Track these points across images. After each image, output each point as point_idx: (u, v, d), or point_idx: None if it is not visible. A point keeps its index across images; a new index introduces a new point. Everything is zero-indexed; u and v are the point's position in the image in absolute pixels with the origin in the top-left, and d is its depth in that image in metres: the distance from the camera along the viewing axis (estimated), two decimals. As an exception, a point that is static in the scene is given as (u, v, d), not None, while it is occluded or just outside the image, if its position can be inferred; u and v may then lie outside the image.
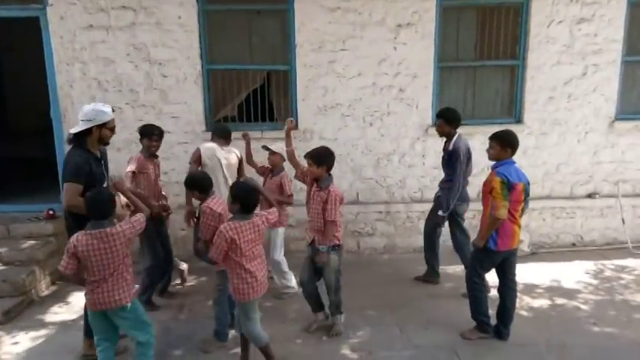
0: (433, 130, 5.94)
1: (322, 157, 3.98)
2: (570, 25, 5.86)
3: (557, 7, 5.81)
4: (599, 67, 5.95)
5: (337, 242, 3.99)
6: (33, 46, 8.28)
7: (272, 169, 4.85)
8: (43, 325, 4.43)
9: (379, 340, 4.12)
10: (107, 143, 3.82)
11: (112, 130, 3.76)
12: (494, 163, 3.96)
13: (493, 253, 3.93)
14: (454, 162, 4.74)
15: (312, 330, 4.24)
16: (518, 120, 6.08)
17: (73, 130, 3.63)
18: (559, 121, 6.07)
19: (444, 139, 4.96)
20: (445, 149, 4.91)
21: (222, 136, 4.85)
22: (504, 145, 3.88)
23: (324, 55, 5.72)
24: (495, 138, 3.94)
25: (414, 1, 5.67)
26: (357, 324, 4.37)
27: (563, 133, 6.10)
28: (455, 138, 4.81)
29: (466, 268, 4.52)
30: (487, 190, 3.85)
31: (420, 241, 6.13)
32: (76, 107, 5.36)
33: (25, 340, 4.23)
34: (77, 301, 4.91)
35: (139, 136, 4.61)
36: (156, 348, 3.54)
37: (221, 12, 5.70)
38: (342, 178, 6.04)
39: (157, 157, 4.70)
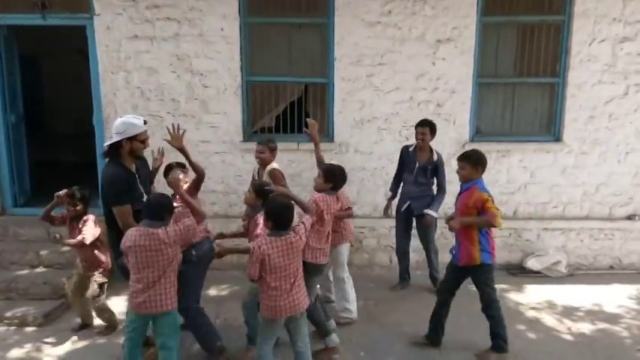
0: (471, 146, 5.91)
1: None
2: (613, 43, 5.77)
3: (599, 25, 5.74)
4: (642, 87, 5.85)
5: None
6: (70, 51, 8.64)
7: None
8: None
9: (418, 359, 4.06)
10: (139, 156, 3.81)
11: (144, 142, 3.72)
12: (467, 183, 3.95)
13: (492, 267, 4.01)
14: (442, 170, 5.14)
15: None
16: (557, 138, 5.99)
17: (105, 144, 3.70)
18: (599, 140, 5.96)
19: (417, 151, 5.15)
20: (427, 161, 5.10)
21: None
22: (475, 164, 3.90)
23: (363, 69, 5.74)
24: (465, 159, 3.95)
25: (455, 17, 5.67)
26: (395, 341, 4.32)
27: (603, 152, 5.99)
28: (435, 151, 5.13)
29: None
30: (472, 206, 3.84)
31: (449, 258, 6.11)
32: (119, 115, 5.45)
33: (66, 342, 4.30)
34: (116, 305, 4.97)
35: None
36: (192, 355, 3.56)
37: (262, 25, 5.79)
38: (375, 192, 6.04)
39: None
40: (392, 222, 6.04)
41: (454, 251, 4.08)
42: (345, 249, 4.56)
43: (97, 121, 5.83)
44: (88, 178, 6.19)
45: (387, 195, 5.53)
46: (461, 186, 4.03)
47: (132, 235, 3.23)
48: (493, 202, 3.82)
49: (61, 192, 4.12)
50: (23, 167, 6.27)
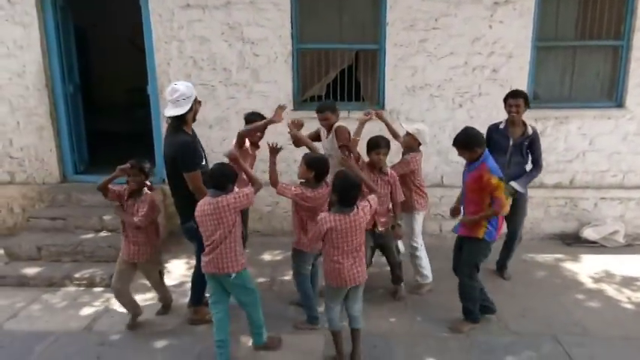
0: (527, 113, 5.61)
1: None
2: (683, 2, 5.43)
3: (669, -17, 5.40)
4: None
5: None
6: (117, 22, 8.76)
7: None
8: (147, 289, 4.65)
9: (477, 324, 4.08)
10: (195, 119, 3.87)
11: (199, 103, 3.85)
12: (473, 162, 3.76)
13: (490, 244, 3.88)
14: (539, 145, 4.65)
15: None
16: (620, 104, 5.74)
17: (181, 112, 3.61)
18: (664, 106, 5.69)
19: (509, 127, 4.62)
20: (522, 136, 4.58)
21: None
22: (468, 147, 3.73)
23: (415, 34, 5.60)
24: (455, 144, 3.80)
25: (513, -22, 5.43)
26: (453, 307, 4.34)
27: (668, 119, 5.72)
28: (529, 125, 4.65)
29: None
30: (477, 187, 3.70)
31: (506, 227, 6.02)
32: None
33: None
34: (176, 268, 5.18)
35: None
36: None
37: (313, -10, 5.71)
38: (426, 161, 5.89)
39: (258, 147, 4.64)
40: (442, 191, 6.03)
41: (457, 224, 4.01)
42: (419, 217, 4.61)
43: (152, 91, 5.94)
44: (140, 148, 6.39)
45: None
46: (467, 163, 3.88)
47: (200, 206, 3.38)
48: (503, 186, 3.66)
49: (124, 165, 3.83)
50: (81, 136, 6.49)
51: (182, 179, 3.66)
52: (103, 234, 5.43)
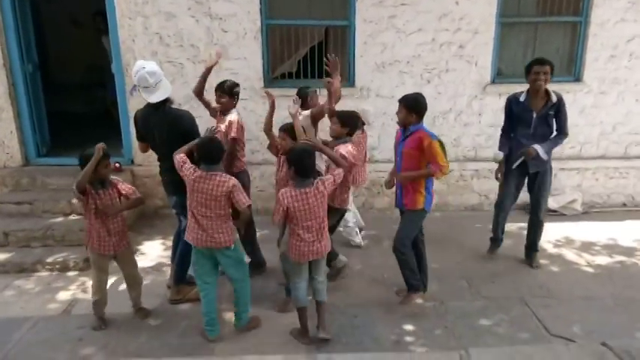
0: (491, 88, 5.96)
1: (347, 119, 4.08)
2: (637, -21, 5.69)
3: (624, -39, 5.64)
4: (665, 25, 5.83)
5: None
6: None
7: None
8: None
9: (449, 292, 4.29)
10: None
11: None
12: (409, 127, 3.72)
13: (426, 214, 3.89)
14: (565, 111, 4.36)
15: None
16: (577, 78, 6.02)
17: (168, 92, 3.72)
18: (619, 80, 6.00)
19: (531, 98, 4.39)
20: (545, 106, 4.32)
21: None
22: (410, 110, 3.66)
23: (385, 10, 5.65)
24: (401, 101, 3.74)
25: (478, -46, 5.54)
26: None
27: (622, 92, 6.04)
28: (552, 92, 4.36)
29: None
30: (417, 153, 3.65)
31: (472, 199, 6.27)
32: (138, 62, 5.40)
33: (108, 285, 4.46)
34: (151, 249, 5.13)
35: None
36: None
37: (281, -35, 5.64)
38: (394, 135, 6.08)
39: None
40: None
41: (398, 195, 3.93)
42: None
43: (117, 69, 5.76)
44: (102, 129, 6.22)
45: (496, 157, 5.00)
46: (401, 130, 3.83)
47: (197, 177, 3.38)
48: (445, 150, 3.65)
49: (97, 153, 3.42)
50: (42, 117, 6.23)
51: None
52: (73, 217, 5.30)
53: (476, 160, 6.17)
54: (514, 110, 4.46)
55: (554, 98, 4.31)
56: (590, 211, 6.21)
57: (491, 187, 6.16)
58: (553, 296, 4.21)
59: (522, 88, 5.84)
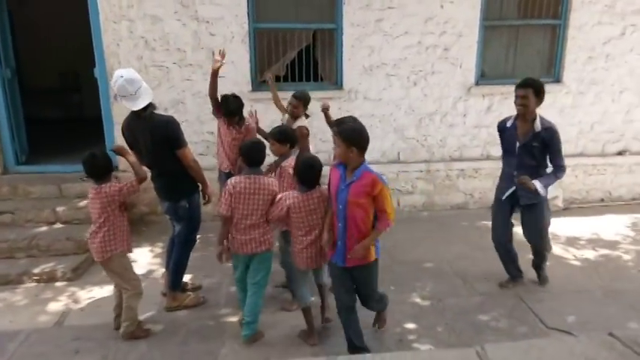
0: (476, 90, 6.09)
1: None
2: (612, -16, 5.93)
3: (600, -34, 5.86)
4: (637, 28, 6.08)
5: None
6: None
7: None
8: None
9: (445, 289, 4.35)
10: None
11: None
12: (356, 171, 3.00)
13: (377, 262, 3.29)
14: (556, 144, 3.81)
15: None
16: (557, 79, 6.21)
17: (149, 99, 3.65)
18: (596, 80, 6.22)
19: (518, 123, 3.92)
20: (528, 134, 3.84)
21: None
22: (350, 144, 2.93)
23: (372, 14, 5.71)
24: (337, 135, 2.98)
25: (461, -41, 5.66)
26: (420, 276, 4.59)
27: (599, 92, 6.27)
28: (541, 120, 3.84)
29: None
30: (366, 201, 2.99)
31: (458, 198, 6.39)
32: (123, 67, 5.30)
33: (100, 294, 4.35)
34: (140, 256, 5.02)
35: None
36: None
37: (268, -32, 5.63)
38: (384, 138, 6.16)
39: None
40: (399, 167, 6.26)
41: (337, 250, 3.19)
42: None
43: (100, 74, 5.63)
44: (81, 136, 6.07)
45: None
46: (340, 169, 3.07)
47: (238, 184, 3.40)
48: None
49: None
50: (20, 124, 6.04)
51: (171, 159, 3.66)
52: (58, 226, 5.16)
53: (461, 160, 6.29)
54: (503, 136, 4.07)
55: (537, 127, 3.80)
56: (571, 207, 6.42)
57: (476, 186, 6.35)
58: (545, 290, 4.32)
59: (505, 89, 6.08)
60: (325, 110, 4.56)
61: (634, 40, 6.11)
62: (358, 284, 3.28)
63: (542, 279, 4.42)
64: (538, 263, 4.40)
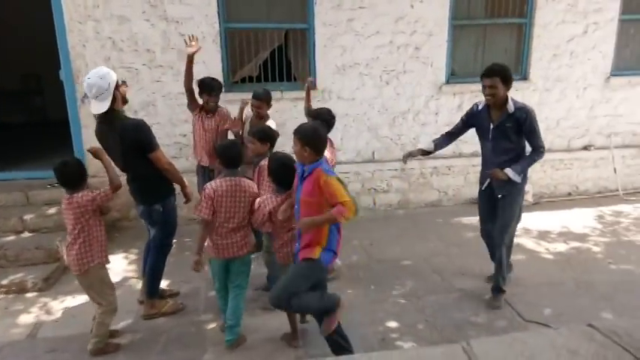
0: (446, 88, 6.19)
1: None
2: (574, -17, 6.12)
3: (562, -34, 6.04)
4: (599, 26, 6.29)
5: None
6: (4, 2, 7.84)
7: None
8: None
9: (424, 287, 4.40)
10: (127, 101, 3.87)
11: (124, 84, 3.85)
12: (310, 164, 2.98)
13: (322, 270, 3.13)
14: (531, 124, 3.72)
15: None
16: (524, 77, 6.37)
17: (105, 107, 3.38)
18: (561, 77, 6.41)
19: (491, 108, 3.83)
20: (503, 116, 3.75)
21: None
22: (305, 144, 2.94)
23: (343, 13, 5.72)
24: (295, 133, 3.00)
25: (430, -41, 5.73)
26: (399, 274, 4.63)
27: (564, 89, 6.47)
28: (512, 102, 3.76)
29: None
30: (315, 199, 2.92)
31: (432, 195, 6.48)
32: (90, 68, 5.14)
33: (74, 303, 4.22)
34: (113, 264, 4.87)
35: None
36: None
37: (238, -33, 5.57)
38: (358, 137, 6.19)
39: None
40: (374, 166, 6.30)
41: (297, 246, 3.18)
42: None
43: (66, 76, 5.45)
44: (46, 141, 5.87)
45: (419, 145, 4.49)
46: (300, 168, 3.09)
47: (219, 186, 3.36)
48: (345, 186, 2.95)
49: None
50: (-19, 130, 5.82)
51: (144, 162, 3.56)
52: (26, 235, 4.97)
53: (435, 158, 6.30)
54: (474, 119, 4.01)
55: (510, 108, 3.72)
56: (540, 202, 6.60)
57: (449, 183, 6.46)
58: (520, 284, 4.42)
59: (475, 87, 6.17)
60: (309, 88, 4.66)
61: (596, 38, 6.33)
62: (284, 277, 3.13)
63: (497, 300, 4.01)
64: (495, 277, 4.04)
